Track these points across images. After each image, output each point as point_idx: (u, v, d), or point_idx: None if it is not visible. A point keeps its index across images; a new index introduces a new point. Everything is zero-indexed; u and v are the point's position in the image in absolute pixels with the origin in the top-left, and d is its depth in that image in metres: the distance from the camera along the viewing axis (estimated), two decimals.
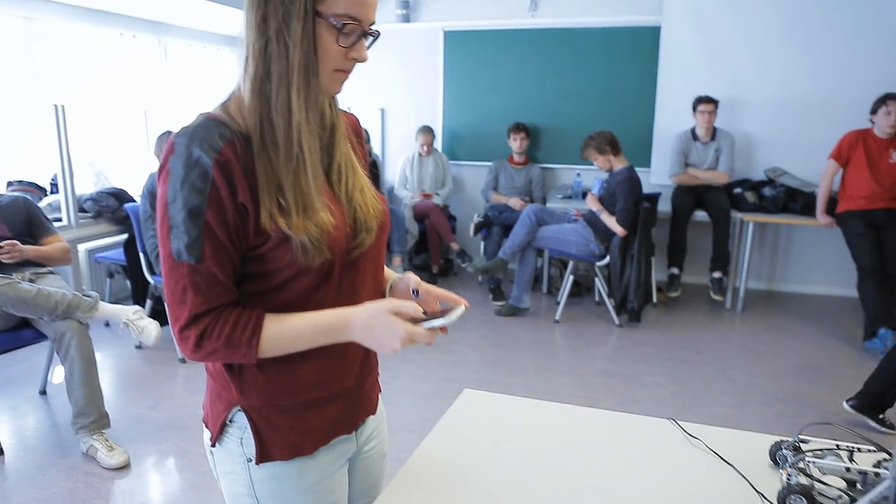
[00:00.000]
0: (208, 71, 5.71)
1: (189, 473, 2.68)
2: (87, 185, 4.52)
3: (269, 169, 0.96)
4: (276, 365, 1.03)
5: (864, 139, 4.32)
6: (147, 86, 5.10)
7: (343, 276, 1.05)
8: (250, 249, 0.98)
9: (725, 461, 1.32)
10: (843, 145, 4.39)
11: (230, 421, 1.07)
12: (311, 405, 1.08)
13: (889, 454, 1.21)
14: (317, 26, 0.94)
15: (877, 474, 1.14)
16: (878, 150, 4.29)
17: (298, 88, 0.95)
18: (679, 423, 1.47)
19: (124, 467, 2.71)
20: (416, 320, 0.99)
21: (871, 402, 3.07)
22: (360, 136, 1.19)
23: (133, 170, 4.93)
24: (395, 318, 0.98)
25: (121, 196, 4.39)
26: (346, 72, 1.01)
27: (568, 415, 1.52)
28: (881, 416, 3.07)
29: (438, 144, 5.96)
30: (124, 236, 4.21)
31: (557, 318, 4.64)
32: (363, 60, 1.00)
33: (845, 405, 3.16)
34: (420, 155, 5.66)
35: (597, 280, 4.77)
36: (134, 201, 4.20)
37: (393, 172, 6.00)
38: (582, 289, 5.29)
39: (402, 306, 0.99)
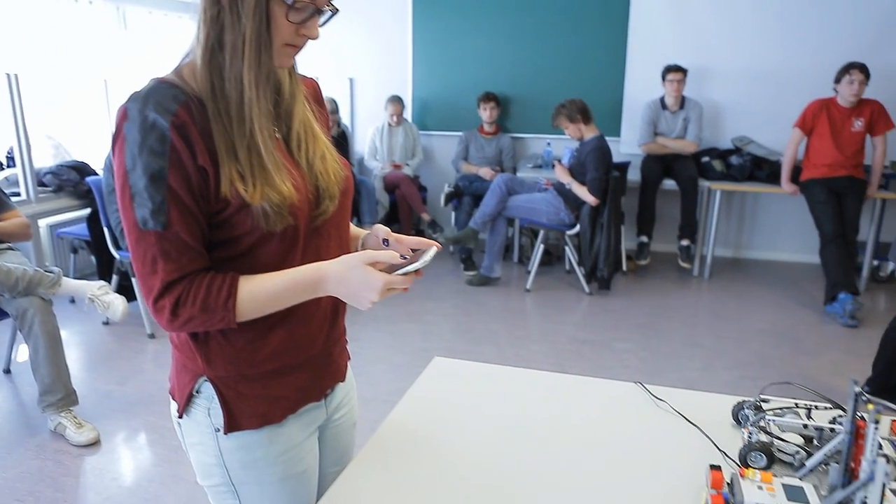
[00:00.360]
0: (170, 39, 5.54)
1: (160, 448, 2.67)
2: (45, 159, 4.38)
3: (225, 134, 0.95)
4: (242, 334, 1.02)
5: (828, 108, 4.39)
6: (106, 55, 4.94)
7: (308, 243, 1.04)
8: (213, 215, 0.96)
9: (690, 422, 1.35)
10: (808, 114, 4.45)
11: (197, 392, 1.06)
12: (279, 373, 1.07)
13: (844, 411, 1.25)
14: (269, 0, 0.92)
15: (832, 430, 1.17)
16: (841, 118, 4.36)
17: (250, 64, 0.93)
18: (646, 386, 1.50)
19: (94, 444, 2.68)
20: (391, 268, 0.99)
21: (881, 384, 3.09)
22: (320, 102, 1.17)
23: (94, 142, 4.79)
24: (370, 270, 0.97)
25: (82, 169, 4.27)
26: (296, 47, 0.99)
27: (537, 381, 1.53)
28: None
29: (408, 114, 5.91)
30: (87, 211, 4.11)
31: (528, 286, 4.68)
32: (314, 38, 0.99)
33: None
34: (389, 125, 5.60)
35: (567, 249, 4.81)
36: (96, 174, 4.10)
37: (362, 143, 5.94)
38: (552, 258, 5.33)
39: (378, 255, 0.98)
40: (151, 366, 3.43)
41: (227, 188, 0.94)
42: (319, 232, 1.07)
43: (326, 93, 5.73)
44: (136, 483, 2.44)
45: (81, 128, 4.81)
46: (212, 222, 0.97)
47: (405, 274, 0.98)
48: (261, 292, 0.98)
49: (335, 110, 5.27)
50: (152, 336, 3.77)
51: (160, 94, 0.91)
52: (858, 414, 0.92)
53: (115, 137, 0.92)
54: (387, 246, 1.13)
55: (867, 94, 4.33)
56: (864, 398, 0.90)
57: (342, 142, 5.40)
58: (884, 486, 0.84)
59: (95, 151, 4.64)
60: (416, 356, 3.56)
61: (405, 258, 1.01)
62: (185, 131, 0.91)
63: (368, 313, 4.15)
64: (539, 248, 4.72)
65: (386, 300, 4.34)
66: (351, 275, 0.97)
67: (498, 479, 1.14)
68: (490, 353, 3.62)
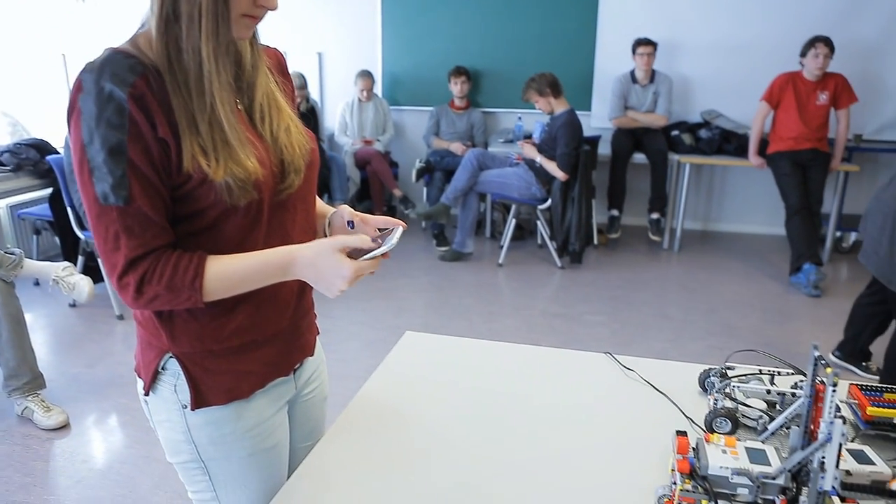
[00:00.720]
0: (131, 10, 5.38)
1: (132, 430, 2.64)
2: (2, 136, 4.25)
3: (186, 109, 0.92)
4: (207, 310, 1.01)
5: (794, 81, 4.44)
6: (64, 28, 4.78)
7: (273, 217, 1.03)
8: (175, 189, 0.94)
9: (658, 390, 1.38)
10: (774, 87, 4.50)
11: (162, 368, 1.04)
12: (245, 349, 1.06)
13: (805, 376, 1.28)
14: None
15: (793, 394, 1.21)
16: (807, 92, 4.42)
17: (208, 35, 0.90)
18: (615, 356, 1.52)
19: (63, 427, 2.65)
20: (357, 251, 0.98)
21: (850, 349, 3.19)
22: (285, 73, 1.14)
23: (53, 119, 4.66)
24: (341, 257, 0.96)
25: (42, 147, 4.14)
26: (255, 18, 0.96)
27: (507, 353, 1.55)
28: (865, 364, 3.18)
29: (378, 89, 5.84)
30: (49, 191, 4.00)
31: (501, 261, 4.70)
32: (273, 8, 0.96)
33: (832, 356, 3.25)
34: (360, 100, 5.53)
35: (539, 223, 4.83)
36: (57, 153, 3.98)
37: (332, 119, 5.86)
38: (524, 232, 5.36)
39: (350, 241, 0.97)
40: (121, 347, 3.38)
41: (188, 162, 0.92)
42: (285, 205, 1.05)
43: (294, 68, 5.63)
44: (108, 465, 2.42)
45: (39, 104, 4.67)
46: (174, 196, 0.95)
47: (373, 258, 0.98)
48: (228, 273, 0.96)
49: (304, 86, 5.18)
50: (121, 317, 3.71)
51: (116, 64, 0.88)
52: (818, 378, 0.95)
53: (70, 111, 0.89)
54: (352, 228, 1.12)
55: (832, 67, 4.39)
56: (823, 362, 0.93)
57: (311, 118, 5.32)
58: (840, 445, 0.86)
59: (55, 129, 4.51)
60: (389, 332, 3.56)
61: (376, 241, 1.01)
62: (143, 103, 0.88)
63: None
64: (511, 223, 4.73)
65: None
66: (321, 261, 0.97)
67: (470, 451, 1.15)
68: (463, 327, 3.63)
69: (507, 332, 3.57)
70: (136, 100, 0.88)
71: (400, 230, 1.04)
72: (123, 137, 0.88)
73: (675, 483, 0.98)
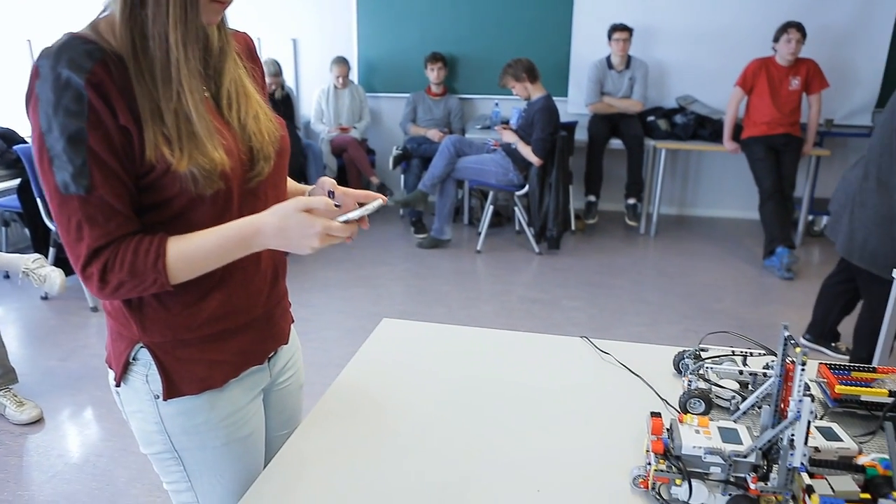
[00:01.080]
0: None
1: (108, 423, 2.61)
2: None
3: (149, 97, 0.90)
4: (177, 298, 1.00)
5: (767, 67, 4.48)
6: (29, 14, 4.66)
7: (243, 205, 1.01)
8: (139, 178, 0.92)
9: (633, 373, 1.39)
10: (748, 73, 4.54)
11: (134, 359, 1.03)
12: (218, 337, 1.05)
13: (776, 356, 1.30)
14: None
15: (765, 374, 1.22)
16: (780, 77, 4.46)
17: (176, 21, 0.88)
18: (591, 340, 1.53)
19: (37, 422, 2.61)
20: (332, 217, 0.96)
21: (820, 331, 3.24)
22: (254, 58, 1.12)
23: (20, 108, 4.55)
24: (308, 215, 0.93)
25: (9, 137, 4.06)
26: (223, 2, 0.94)
27: (484, 338, 1.55)
28: (834, 344, 3.25)
29: (354, 76, 5.79)
30: (17, 181, 3.92)
31: (479, 248, 4.71)
32: None
33: (802, 339, 3.30)
34: (335, 87, 5.48)
35: (516, 209, 4.84)
36: (25, 142, 3.90)
37: (308, 106, 5.80)
38: (502, 219, 5.37)
39: (312, 202, 0.94)
40: (95, 339, 3.34)
41: (151, 152, 0.89)
42: (255, 193, 1.04)
43: (268, 55, 5.56)
44: (84, 459, 2.39)
45: (5, 92, 4.56)
46: (139, 185, 0.93)
47: (347, 221, 0.96)
48: (192, 251, 0.94)
49: (278, 73, 5.11)
50: (95, 309, 3.66)
51: (73, 49, 0.86)
52: (788, 358, 0.96)
53: (28, 98, 0.87)
54: (332, 198, 1.11)
55: (803, 53, 4.44)
56: (792, 342, 0.94)
57: (286, 105, 5.26)
58: (809, 423, 0.87)
59: (22, 118, 4.41)
60: (368, 320, 3.55)
61: (338, 205, 0.99)
62: (103, 90, 0.86)
63: (320, 279, 4.11)
64: (489, 210, 4.74)
65: (337, 266, 4.32)
66: (287, 223, 0.94)
67: (447, 436, 1.15)
68: (441, 314, 3.64)
69: (486, 318, 3.58)
70: (95, 87, 0.85)
71: (378, 202, 1.02)
72: (83, 125, 0.85)
73: (649, 463, 1.00)
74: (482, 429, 1.18)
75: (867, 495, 0.92)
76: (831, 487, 0.92)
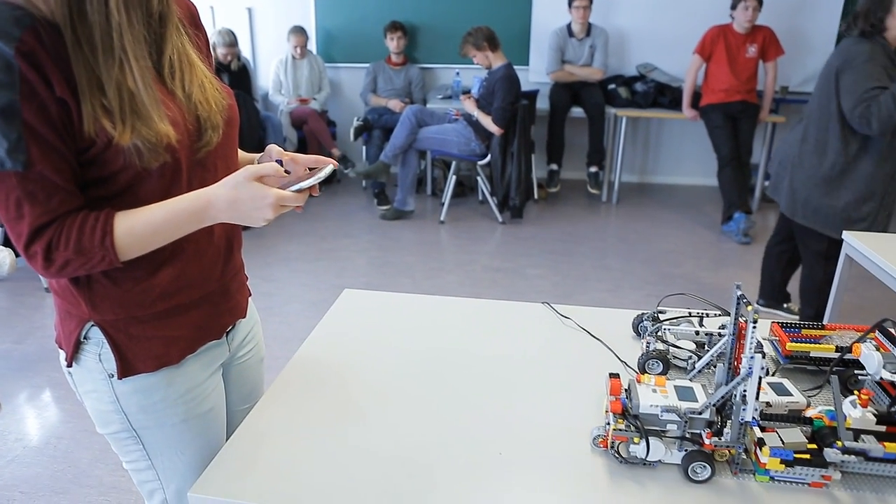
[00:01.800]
0: None
1: (68, 404, 2.56)
2: None
3: (86, 65, 0.85)
4: (127, 274, 0.97)
5: (725, 34, 4.52)
6: None
7: (192, 177, 0.98)
8: (80, 152, 0.88)
9: (593, 336, 1.41)
10: (706, 40, 4.57)
11: (85, 338, 1.00)
12: (172, 313, 1.03)
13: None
14: None
15: (720, 334, 1.25)
16: (737, 44, 4.51)
17: None
18: (552, 305, 1.54)
19: None
20: (284, 186, 0.94)
21: (770, 293, 3.34)
22: (198, 25, 1.08)
23: None
24: (260, 185, 0.91)
25: None
26: None
27: (446, 306, 1.55)
28: (786, 305, 3.34)
29: (312, 46, 5.66)
30: None
31: (442, 218, 4.70)
32: None
33: (757, 306, 3.32)
34: (293, 58, 5.36)
35: (479, 179, 4.83)
36: None
37: (265, 78, 5.67)
38: (465, 189, 5.36)
39: (262, 169, 0.92)
40: (51, 321, 3.25)
41: (90, 125, 0.86)
42: (204, 165, 1.01)
43: (223, 24, 5.40)
44: (44, 441, 2.35)
45: None
46: (80, 160, 0.89)
47: (299, 190, 0.94)
48: (141, 226, 0.91)
49: (234, 43, 4.97)
50: (49, 290, 3.56)
51: None
52: (741, 317, 0.98)
53: None
54: (281, 166, 1.09)
55: (760, 21, 4.48)
56: (745, 301, 0.96)
57: (243, 77, 5.12)
58: (760, 379, 0.90)
59: None
60: (332, 293, 3.53)
61: (288, 172, 0.97)
62: (35, 59, 0.81)
63: (282, 253, 4.06)
64: (451, 180, 4.72)
65: (299, 239, 4.27)
66: (239, 194, 0.91)
67: (408, 404, 1.16)
68: (406, 285, 3.64)
69: (450, 288, 3.60)
70: (26, 56, 0.81)
71: (330, 168, 1.00)
72: (15, 97, 0.81)
73: (608, 423, 1.02)
74: (443, 396, 1.18)
75: (814, 445, 0.95)
76: (781, 440, 0.95)
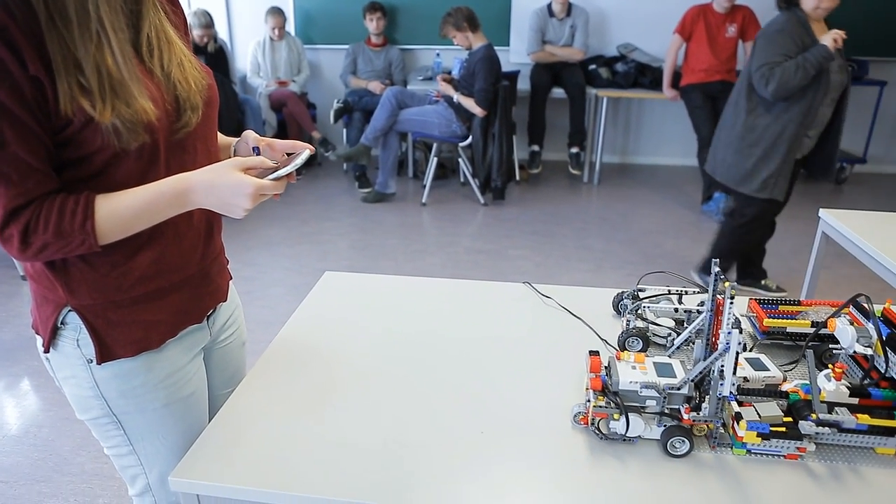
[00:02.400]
0: None
1: (48, 392, 2.54)
2: None
3: (61, 42, 0.83)
4: (105, 258, 0.95)
5: (705, 14, 4.52)
6: None
7: (171, 158, 0.97)
8: (55, 132, 0.86)
9: (574, 315, 1.42)
10: (686, 20, 4.57)
11: (62, 323, 0.99)
12: (152, 297, 1.02)
13: None
14: None
15: (698, 311, 1.27)
16: (717, 24, 4.51)
17: None
18: (533, 285, 1.55)
19: None
20: (262, 173, 0.94)
21: (744, 272, 3.37)
22: (175, 3, 1.06)
23: None
24: (240, 175, 0.91)
25: None
26: None
27: (428, 288, 1.55)
28: (763, 282, 3.37)
29: (291, 27, 5.58)
30: None
31: (424, 200, 4.69)
32: None
33: (737, 285, 3.43)
34: (271, 39, 5.28)
35: (461, 161, 4.82)
36: None
37: (243, 60, 5.58)
38: (447, 171, 5.34)
39: (248, 162, 0.92)
40: (28, 308, 3.21)
41: (66, 104, 0.84)
42: (183, 146, 0.99)
43: (198, 5, 5.30)
44: (24, 430, 2.32)
45: None
46: (56, 140, 0.87)
47: (277, 178, 0.94)
48: (121, 210, 0.90)
49: (210, 24, 4.88)
50: (25, 278, 3.50)
51: None
52: (718, 294, 0.99)
53: None
54: (257, 154, 1.07)
55: (739, 0, 4.49)
56: (722, 278, 0.97)
57: (220, 58, 5.04)
58: (737, 354, 0.91)
59: None
60: (314, 277, 3.52)
61: (276, 163, 0.97)
62: (7, 36, 0.79)
63: (263, 237, 4.04)
64: (433, 162, 4.70)
65: (281, 223, 4.24)
66: (219, 182, 0.91)
67: (389, 384, 1.16)
68: (388, 268, 3.63)
69: (433, 270, 3.60)
70: None
71: (307, 153, 1.00)
72: None
73: (588, 400, 1.03)
74: (425, 376, 1.19)
75: (789, 419, 0.97)
76: (758, 414, 0.97)
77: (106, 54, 0.86)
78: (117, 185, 0.92)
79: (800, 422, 0.95)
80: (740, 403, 0.99)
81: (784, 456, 0.97)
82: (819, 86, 2.73)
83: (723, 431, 1.00)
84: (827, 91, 2.75)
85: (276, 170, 0.95)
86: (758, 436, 0.95)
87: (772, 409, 0.97)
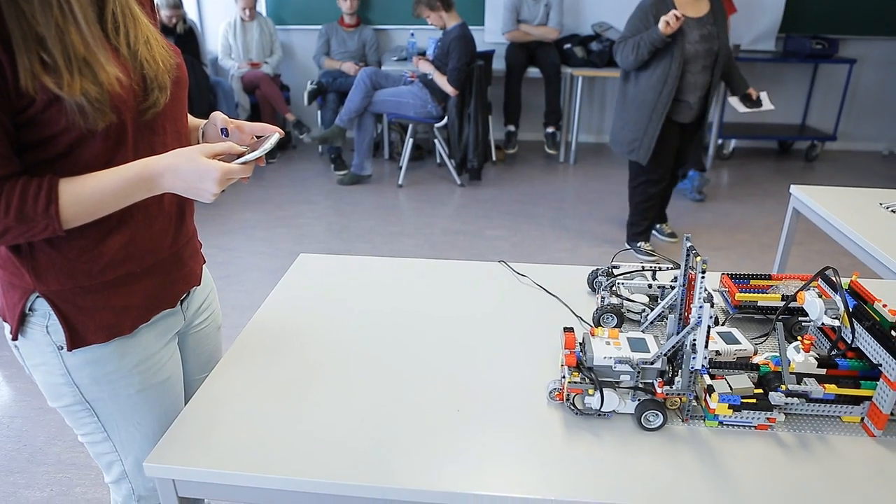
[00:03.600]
0: None
1: (20, 382, 2.50)
2: None
3: (21, 17, 0.80)
4: (73, 242, 0.94)
5: None
6: None
7: (139, 140, 0.95)
8: (16, 113, 0.84)
9: (549, 293, 1.43)
10: None
11: (30, 310, 0.97)
12: (122, 282, 1.00)
13: None
14: None
15: (672, 287, 1.28)
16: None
17: None
18: (509, 264, 1.55)
19: None
20: (230, 157, 0.93)
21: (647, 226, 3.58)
22: None
23: None
24: (206, 159, 0.90)
25: None
26: None
27: (404, 268, 1.55)
28: (659, 225, 3.73)
29: (262, 8, 5.48)
30: None
31: (400, 182, 4.67)
32: None
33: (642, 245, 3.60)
34: (242, 20, 5.18)
35: (437, 142, 4.80)
36: None
37: (214, 41, 5.48)
38: (423, 152, 5.32)
39: (216, 148, 0.91)
40: None
41: (28, 81, 0.81)
42: (152, 127, 0.97)
43: None
44: None
45: None
46: (18, 121, 0.85)
47: (245, 163, 0.92)
48: (86, 194, 0.88)
49: (179, 4, 4.77)
50: None
51: None
52: (690, 268, 1.00)
53: None
54: (226, 136, 1.06)
55: None
56: (694, 252, 0.98)
57: (190, 40, 4.94)
58: (709, 328, 0.92)
59: None
60: (290, 260, 3.49)
61: (246, 148, 0.95)
62: None
63: (238, 221, 3.99)
64: (409, 143, 4.68)
65: (256, 206, 4.20)
66: (186, 167, 0.90)
67: (366, 365, 1.16)
68: (365, 250, 3.62)
69: (410, 252, 3.59)
70: None
71: (276, 136, 0.99)
72: None
73: (563, 377, 1.04)
74: (400, 356, 1.19)
75: (760, 390, 0.99)
76: (729, 386, 0.98)
77: (70, 27, 0.83)
78: (83, 168, 0.90)
79: (770, 393, 0.97)
80: (712, 376, 1.01)
81: (755, 427, 0.99)
82: (672, 56, 2.99)
83: (695, 405, 1.02)
84: (683, 61, 3.01)
85: (244, 154, 0.94)
86: (729, 407, 0.97)
87: (743, 381, 0.99)
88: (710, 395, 0.98)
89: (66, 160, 0.90)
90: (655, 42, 2.94)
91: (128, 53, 0.93)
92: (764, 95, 3.62)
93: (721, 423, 0.99)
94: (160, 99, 0.96)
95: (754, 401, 0.97)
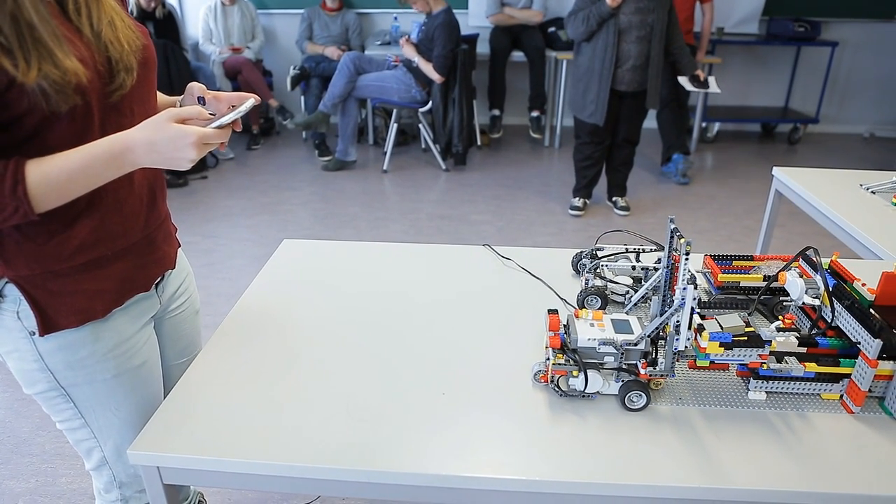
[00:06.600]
0: None
1: (2, 373, 2.47)
2: None
3: None
4: (41, 227, 0.92)
5: None
6: None
7: (106, 122, 0.93)
8: None
9: (533, 275, 1.43)
10: None
11: (0, 295, 0.95)
12: (93, 266, 0.98)
13: None
14: None
15: (655, 269, 1.28)
16: None
17: None
18: (493, 247, 1.55)
19: None
20: (204, 122, 0.91)
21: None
22: None
23: None
24: (178, 125, 0.87)
25: None
26: None
27: (386, 252, 1.54)
28: (614, 199, 3.95)
29: None
30: None
31: (385, 168, 4.64)
32: None
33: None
34: (223, 4, 5.10)
35: (421, 127, 4.77)
36: None
37: (195, 26, 5.39)
38: (408, 137, 5.29)
39: (183, 112, 0.89)
40: None
41: None
42: (119, 109, 0.95)
43: None
44: None
45: None
46: None
47: (220, 127, 0.90)
48: (55, 174, 0.86)
49: None
50: None
51: None
52: (674, 250, 1.00)
53: None
54: (203, 104, 1.03)
55: None
56: (678, 234, 0.98)
57: (170, 25, 4.86)
58: (692, 309, 0.93)
59: None
60: (275, 247, 3.46)
61: (213, 113, 0.93)
62: None
63: (222, 208, 3.95)
64: (393, 128, 4.65)
65: (240, 193, 4.16)
66: (159, 136, 0.87)
67: (350, 351, 1.15)
68: (350, 236, 3.60)
69: (395, 237, 3.58)
70: None
71: (251, 102, 0.97)
72: None
73: (548, 358, 1.03)
74: (385, 340, 1.18)
75: (751, 329, 0.98)
76: (720, 325, 0.98)
77: (23, 9, 0.81)
78: (51, 150, 0.88)
79: (761, 329, 0.96)
80: (703, 317, 1.00)
81: (747, 365, 0.98)
82: (609, 28, 3.30)
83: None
84: (617, 30, 3.30)
85: (218, 118, 0.92)
86: (720, 346, 0.96)
87: (734, 320, 0.98)
88: (700, 335, 0.97)
89: (33, 142, 0.87)
90: (603, 14, 3.25)
91: (91, 35, 0.91)
92: (712, 79, 3.95)
93: (712, 361, 0.98)
94: (126, 80, 0.94)
95: (745, 338, 0.97)
